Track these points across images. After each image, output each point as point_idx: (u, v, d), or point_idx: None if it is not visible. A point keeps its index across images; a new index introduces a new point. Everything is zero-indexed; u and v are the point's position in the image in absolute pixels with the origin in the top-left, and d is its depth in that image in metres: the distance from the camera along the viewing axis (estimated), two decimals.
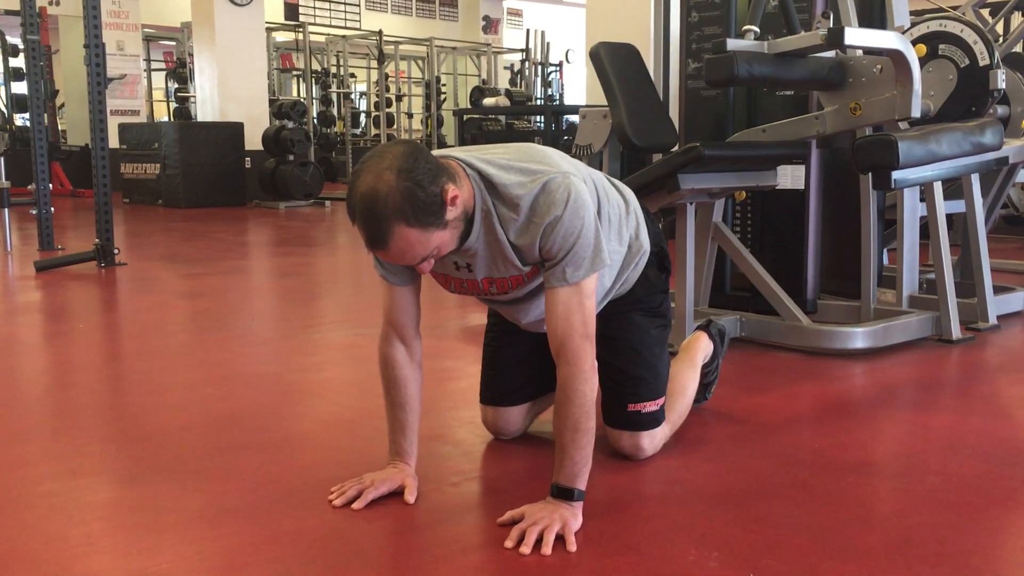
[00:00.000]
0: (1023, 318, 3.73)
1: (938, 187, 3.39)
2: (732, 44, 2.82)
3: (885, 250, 3.93)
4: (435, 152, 1.74)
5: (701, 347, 2.36)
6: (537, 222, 1.70)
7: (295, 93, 14.51)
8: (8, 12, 9.20)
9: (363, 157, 1.66)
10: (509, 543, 1.63)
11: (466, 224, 1.72)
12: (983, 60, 3.36)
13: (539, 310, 1.94)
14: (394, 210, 1.58)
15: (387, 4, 17.33)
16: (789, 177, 3.41)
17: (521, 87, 14.84)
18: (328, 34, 14.08)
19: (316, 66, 13.71)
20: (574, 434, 1.71)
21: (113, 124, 10.21)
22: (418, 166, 1.60)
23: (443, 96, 15.34)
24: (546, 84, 15.28)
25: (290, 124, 9.64)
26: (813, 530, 1.71)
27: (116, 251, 5.28)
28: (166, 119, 13.89)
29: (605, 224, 1.88)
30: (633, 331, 2.06)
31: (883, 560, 1.58)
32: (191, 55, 11.25)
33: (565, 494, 1.72)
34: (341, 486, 1.85)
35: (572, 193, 1.70)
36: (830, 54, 3.06)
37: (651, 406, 2.04)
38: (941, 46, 3.45)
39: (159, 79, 15.23)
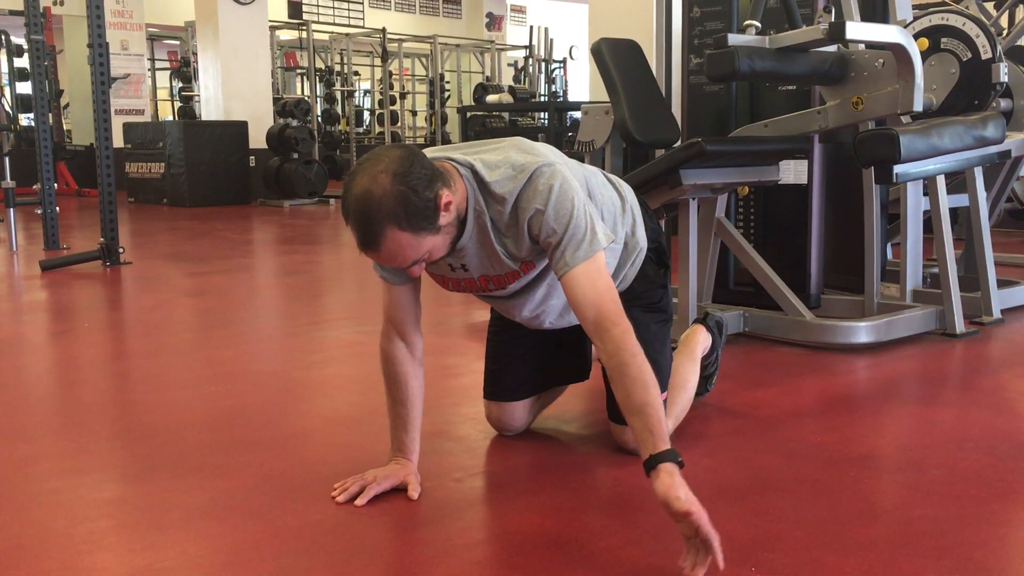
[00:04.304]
0: None
1: (941, 181, 3.38)
2: (733, 39, 2.82)
3: (889, 244, 3.93)
4: (430, 151, 1.75)
5: (700, 340, 2.36)
6: (520, 214, 1.73)
7: (299, 91, 14.51)
8: (12, 12, 9.21)
9: (360, 159, 1.68)
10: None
11: (459, 227, 1.74)
12: (985, 54, 3.35)
13: (534, 303, 1.95)
14: (387, 213, 1.60)
15: (390, 2, 17.33)
16: (792, 172, 3.41)
17: (525, 84, 14.82)
18: (332, 32, 14.08)
19: (320, 64, 13.71)
20: (642, 416, 1.59)
21: (118, 123, 10.27)
22: (413, 171, 1.62)
23: (447, 93, 15.33)
24: (550, 81, 15.24)
25: (294, 122, 9.65)
26: (815, 524, 1.71)
27: (121, 250, 5.29)
28: (170, 118, 13.90)
29: (599, 220, 1.90)
30: (634, 327, 2.06)
31: (885, 553, 1.58)
32: (195, 54, 11.26)
33: (662, 458, 1.54)
34: (344, 482, 1.85)
35: (556, 182, 1.72)
36: (832, 48, 3.06)
37: None
38: (943, 40, 3.45)
39: (163, 78, 15.23)
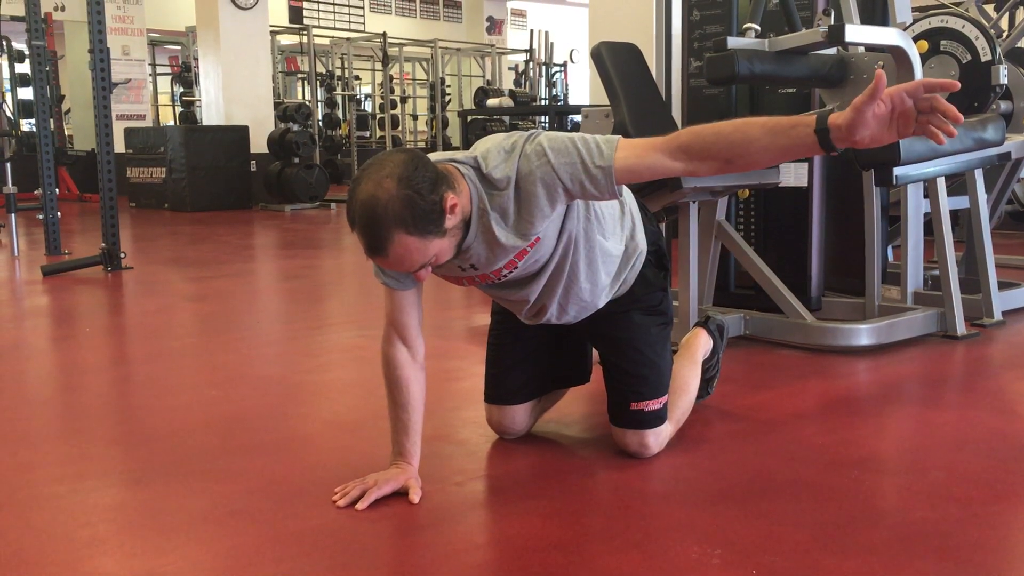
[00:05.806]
0: None
1: (941, 183, 3.38)
2: (733, 42, 2.83)
3: (889, 247, 3.93)
4: (433, 156, 1.76)
5: (700, 343, 2.36)
6: (528, 185, 1.74)
7: (300, 96, 14.53)
8: (13, 18, 9.23)
9: (363, 165, 1.68)
10: None
11: (464, 230, 1.75)
12: (985, 56, 3.35)
13: (543, 280, 1.93)
14: (394, 218, 1.60)
15: (391, 6, 17.35)
16: (792, 174, 3.41)
17: (525, 88, 14.82)
18: (332, 37, 14.10)
19: (321, 69, 13.72)
20: (772, 133, 1.61)
21: (119, 128, 10.27)
22: (418, 174, 1.62)
23: (448, 97, 15.34)
24: (550, 84, 15.24)
25: (295, 127, 9.65)
26: (816, 527, 1.71)
27: (122, 255, 5.30)
28: (172, 123, 13.93)
29: (598, 222, 1.90)
30: (634, 330, 2.06)
31: (886, 556, 1.58)
32: (196, 59, 11.28)
33: (822, 121, 1.55)
34: (345, 486, 1.85)
35: (541, 137, 1.76)
36: (831, 51, 3.06)
37: (654, 404, 2.05)
38: (943, 42, 3.45)
39: (164, 83, 15.27)
